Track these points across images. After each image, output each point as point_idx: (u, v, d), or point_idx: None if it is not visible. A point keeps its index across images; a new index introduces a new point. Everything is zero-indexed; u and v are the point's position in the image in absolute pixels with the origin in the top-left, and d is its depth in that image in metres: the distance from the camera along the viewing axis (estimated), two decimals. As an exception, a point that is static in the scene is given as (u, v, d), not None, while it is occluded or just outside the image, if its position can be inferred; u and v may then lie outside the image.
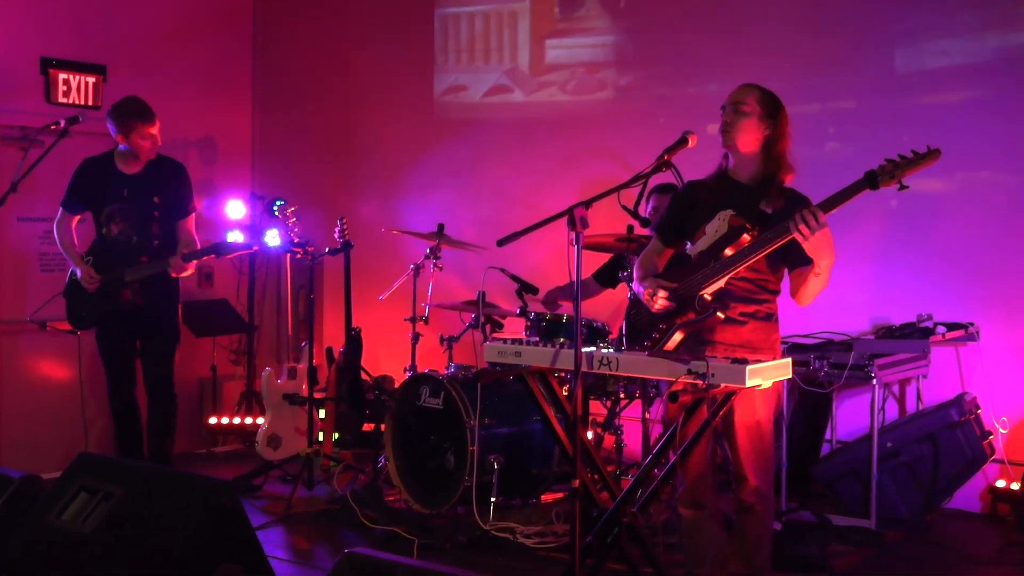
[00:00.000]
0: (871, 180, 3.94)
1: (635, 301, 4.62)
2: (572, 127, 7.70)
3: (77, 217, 6.63)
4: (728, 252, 4.24)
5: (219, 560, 3.79)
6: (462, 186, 8.17)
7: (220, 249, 6.48)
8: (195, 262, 6.45)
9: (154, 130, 6.40)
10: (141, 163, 6.47)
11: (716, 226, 4.35)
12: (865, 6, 6.67)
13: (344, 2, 8.86)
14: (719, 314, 4.23)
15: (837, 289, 6.53)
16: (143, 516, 3.87)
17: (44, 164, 6.19)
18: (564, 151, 7.71)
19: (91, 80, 7.82)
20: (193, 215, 6.62)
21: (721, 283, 4.28)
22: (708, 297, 4.25)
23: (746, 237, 4.21)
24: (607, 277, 6.67)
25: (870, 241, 6.60)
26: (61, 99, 7.65)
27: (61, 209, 6.61)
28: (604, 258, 6.73)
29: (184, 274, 6.45)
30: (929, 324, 6.19)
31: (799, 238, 4.01)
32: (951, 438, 5.95)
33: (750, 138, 4.38)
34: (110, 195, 6.46)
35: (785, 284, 4.46)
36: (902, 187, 3.92)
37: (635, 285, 4.57)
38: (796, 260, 4.26)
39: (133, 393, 6.65)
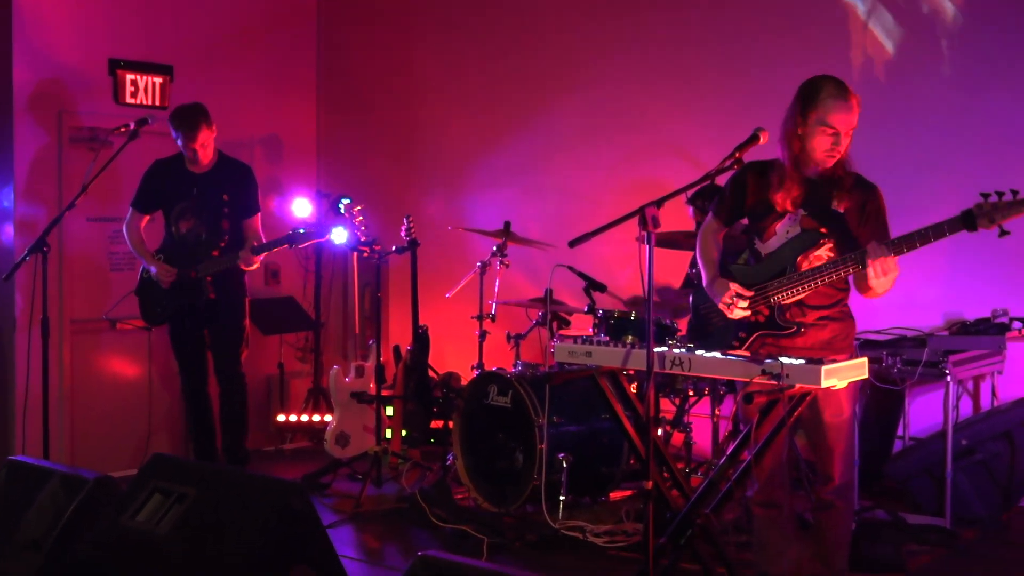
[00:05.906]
0: (968, 221, 3.74)
1: (702, 297, 4.56)
2: (636, 122, 7.63)
3: (147, 217, 6.81)
4: (804, 265, 4.20)
5: (293, 562, 3.80)
6: (526, 183, 8.12)
7: (293, 239, 6.49)
8: (263, 255, 6.54)
9: (197, 143, 6.50)
10: (207, 164, 6.63)
11: (787, 226, 4.28)
12: None
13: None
14: (801, 330, 4.23)
15: (909, 284, 6.45)
16: (216, 518, 3.88)
17: (113, 165, 6.28)
18: (628, 146, 7.64)
19: (158, 81, 7.88)
20: (259, 215, 6.77)
21: (799, 296, 4.23)
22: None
23: (823, 254, 4.17)
24: None
25: (943, 234, 6.47)
26: (129, 100, 7.72)
27: (131, 209, 6.76)
28: (670, 258, 6.63)
29: (252, 267, 6.56)
30: (1004, 319, 6.07)
31: (870, 275, 3.93)
32: (1029, 435, 5.85)
33: None
34: (181, 193, 6.65)
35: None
36: (1003, 233, 3.67)
37: (705, 285, 4.51)
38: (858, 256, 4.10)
39: (205, 384, 6.88)
